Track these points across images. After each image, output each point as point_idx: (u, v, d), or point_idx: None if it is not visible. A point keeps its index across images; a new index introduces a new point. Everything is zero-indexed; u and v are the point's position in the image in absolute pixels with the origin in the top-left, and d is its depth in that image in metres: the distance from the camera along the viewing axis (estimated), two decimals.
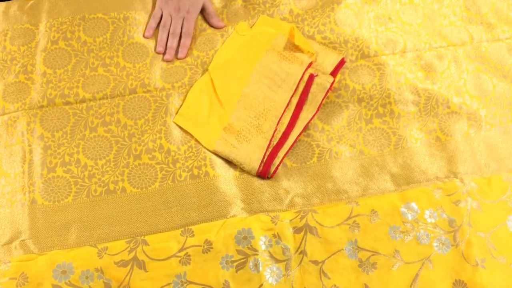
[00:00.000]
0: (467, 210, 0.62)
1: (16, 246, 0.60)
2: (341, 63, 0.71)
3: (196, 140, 0.67)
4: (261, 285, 0.58)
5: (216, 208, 0.63)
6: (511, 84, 0.72)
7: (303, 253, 0.60)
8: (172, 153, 0.66)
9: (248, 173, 0.65)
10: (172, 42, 0.74)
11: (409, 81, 0.70)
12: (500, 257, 0.60)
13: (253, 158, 0.64)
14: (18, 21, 0.75)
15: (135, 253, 0.59)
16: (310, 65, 0.70)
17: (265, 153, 0.65)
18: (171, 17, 0.75)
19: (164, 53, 0.74)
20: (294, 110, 0.68)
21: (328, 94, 0.69)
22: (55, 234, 0.61)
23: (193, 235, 0.61)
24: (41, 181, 0.64)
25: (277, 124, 0.67)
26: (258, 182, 0.65)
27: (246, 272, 0.59)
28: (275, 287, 0.58)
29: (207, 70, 0.71)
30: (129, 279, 0.58)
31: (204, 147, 0.66)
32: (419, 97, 0.69)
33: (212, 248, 0.60)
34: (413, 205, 0.63)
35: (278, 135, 0.67)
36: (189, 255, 0.59)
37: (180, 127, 0.68)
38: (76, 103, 0.69)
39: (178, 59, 0.73)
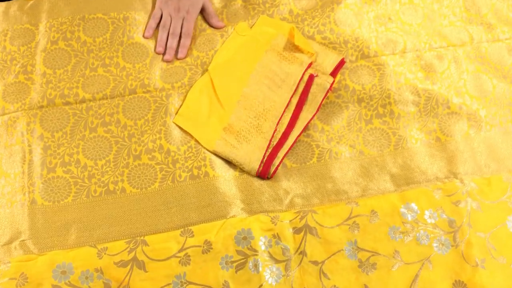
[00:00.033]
0: (467, 210, 0.62)
1: (16, 247, 0.60)
2: (341, 63, 0.71)
3: (196, 141, 0.67)
4: (261, 285, 0.58)
5: (216, 208, 0.63)
6: (511, 84, 0.72)
7: (303, 253, 0.60)
8: (172, 154, 0.66)
9: (248, 173, 0.65)
10: (172, 42, 0.74)
11: (409, 81, 0.70)
12: (500, 257, 0.60)
13: (253, 159, 0.64)
14: (18, 21, 0.75)
15: (135, 253, 0.59)
16: (310, 65, 0.70)
17: (265, 154, 0.65)
18: (171, 17, 0.75)
19: (164, 53, 0.74)
20: (294, 110, 0.68)
21: (328, 94, 0.69)
22: (55, 235, 0.61)
23: (193, 236, 0.61)
24: (41, 181, 0.64)
25: (277, 125, 0.67)
26: (258, 182, 0.65)
27: (245, 273, 0.59)
28: None
29: (207, 70, 0.71)
30: (129, 279, 0.58)
31: (204, 148, 0.66)
32: (419, 97, 0.69)
33: (211, 248, 0.60)
34: (413, 205, 0.62)
35: (278, 135, 0.66)
36: (189, 256, 0.59)
37: (180, 127, 0.68)
38: (76, 103, 0.69)
39: (178, 59, 0.73)
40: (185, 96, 0.70)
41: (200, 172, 0.65)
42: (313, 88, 0.68)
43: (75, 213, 0.62)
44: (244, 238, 0.60)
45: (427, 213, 0.62)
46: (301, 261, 0.59)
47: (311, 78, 0.68)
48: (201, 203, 0.63)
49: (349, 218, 0.62)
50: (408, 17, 0.76)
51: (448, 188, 0.64)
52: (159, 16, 0.76)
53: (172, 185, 0.64)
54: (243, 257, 0.60)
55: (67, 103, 0.69)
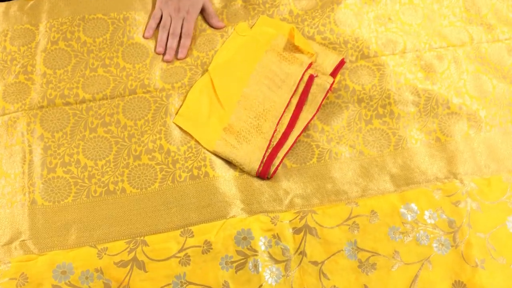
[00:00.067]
0: (466, 211, 0.62)
1: (16, 247, 0.61)
2: (341, 63, 0.71)
3: (196, 141, 0.67)
4: (261, 285, 0.58)
5: (216, 208, 0.63)
6: (510, 85, 0.72)
7: (302, 253, 0.60)
8: (172, 154, 0.66)
9: (248, 173, 0.65)
10: (172, 43, 0.74)
11: (409, 81, 0.70)
12: (499, 258, 0.60)
13: (253, 159, 0.64)
14: (18, 22, 0.75)
15: (135, 253, 0.59)
16: (310, 65, 0.70)
17: (265, 154, 0.65)
18: (171, 17, 0.75)
19: (164, 54, 0.74)
20: (294, 110, 0.68)
21: (328, 94, 0.69)
22: (55, 235, 0.61)
23: (193, 236, 0.61)
24: (41, 181, 0.64)
25: (277, 125, 0.67)
26: (257, 182, 0.65)
27: (245, 273, 0.59)
28: None
29: (207, 70, 0.71)
30: (129, 279, 0.58)
31: (204, 148, 0.66)
32: (419, 97, 0.69)
33: (211, 248, 0.60)
34: (413, 206, 0.63)
35: (278, 135, 0.67)
36: (189, 256, 0.59)
37: (180, 127, 0.68)
38: (76, 103, 0.69)
39: (178, 59, 0.73)
40: (185, 96, 0.70)
41: (200, 172, 0.65)
42: (313, 89, 0.68)
43: (75, 213, 0.62)
44: (244, 238, 0.60)
45: (427, 213, 0.62)
46: (301, 261, 0.60)
47: (311, 78, 0.68)
48: (201, 203, 0.63)
49: (349, 219, 0.62)
50: (408, 17, 0.76)
51: (448, 188, 0.64)
52: (159, 16, 0.76)
53: (172, 185, 0.64)
54: (243, 257, 0.60)
55: (67, 104, 0.69)
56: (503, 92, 0.71)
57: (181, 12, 0.75)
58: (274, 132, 0.66)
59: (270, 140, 0.66)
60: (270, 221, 0.62)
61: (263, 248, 0.60)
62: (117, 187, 0.64)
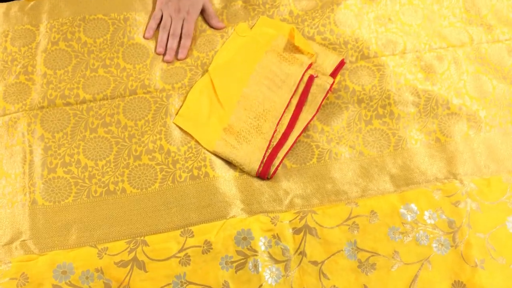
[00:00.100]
0: (466, 211, 0.62)
1: (17, 247, 0.61)
2: (341, 64, 0.71)
3: (196, 141, 0.67)
4: (261, 285, 0.58)
5: (216, 209, 0.63)
6: (511, 85, 0.72)
7: (302, 253, 0.60)
8: (172, 154, 0.66)
9: (248, 174, 0.65)
10: (172, 43, 0.74)
11: (409, 82, 0.70)
12: (499, 258, 0.60)
13: (253, 159, 0.65)
14: (19, 22, 0.75)
15: (135, 253, 0.60)
16: (310, 66, 0.70)
17: (265, 154, 0.65)
18: (171, 18, 0.75)
19: (164, 54, 0.74)
20: (294, 111, 0.68)
21: (328, 95, 0.69)
22: (56, 235, 0.61)
23: (193, 236, 0.61)
24: (42, 181, 0.64)
25: (277, 125, 0.67)
26: (257, 183, 0.65)
27: (245, 273, 0.59)
28: None
29: (207, 71, 0.71)
30: (129, 279, 0.58)
31: (204, 148, 0.66)
32: (419, 98, 0.70)
33: (211, 248, 0.60)
34: (413, 206, 0.63)
35: (278, 136, 0.67)
36: (189, 256, 0.60)
37: (180, 128, 0.68)
38: (77, 104, 0.69)
39: (178, 60, 0.74)
40: (185, 97, 0.70)
41: (200, 172, 0.65)
42: (313, 89, 0.68)
43: (75, 213, 0.62)
44: (244, 238, 0.61)
45: (426, 213, 0.62)
46: (300, 261, 0.60)
47: (311, 78, 0.69)
48: (201, 203, 0.63)
49: (348, 219, 0.62)
50: (408, 18, 0.76)
51: (447, 188, 0.64)
52: (159, 17, 0.76)
53: (172, 186, 0.64)
54: (243, 257, 0.60)
55: (68, 104, 0.69)
56: (503, 92, 0.71)
57: (181, 12, 0.75)
58: (274, 133, 0.66)
59: (270, 141, 0.66)
60: (270, 221, 0.62)
61: (263, 248, 0.60)
62: (117, 187, 0.64)
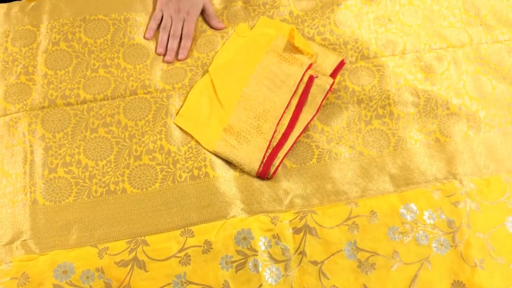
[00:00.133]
0: (466, 211, 0.62)
1: (18, 246, 0.61)
2: (341, 64, 0.71)
3: (196, 141, 0.67)
4: (261, 285, 0.58)
5: (216, 208, 0.63)
6: (510, 85, 0.72)
7: (302, 253, 0.60)
8: (173, 154, 0.66)
9: (248, 174, 0.65)
10: (173, 44, 0.74)
11: (409, 82, 0.71)
12: (498, 258, 0.60)
13: (253, 159, 0.65)
14: (20, 23, 0.75)
15: (136, 253, 0.60)
16: (310, 66, 0.70)
17: (265, 154, 0.65)
18: (171, 18, 0.75)
19: (164, 55, 0.74)
20: (294, 111, 0.68)
21: (328, 95, 0.69)
22: (56, 234, 0.61)
23: (193, 236, 0.61)
24: (42, 181, 0.64)
25: (277, 125, 0.67)
26: (258, 183, 0.65)
27: (245, 273, 0.59)
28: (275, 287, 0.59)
29: (207, 71, 0.72)
30: (130, 279, 0.58)
31: (204, 148, 0.66)
32: (419, 98, 0.70)
33: (212, 248, 0.60)
34: (412, 206, 0.63)
35: (278, 136, 0.67)
36: (189, 256, 0.60)
37: (180, 128, 0.68)
38: (77, 104, 0.69)
39: (178, 60, 0.74)
40: (186, 97, 0.70)
41: (201, 172, 0.65)
42: (313, 89, 0.69)
43: (76, 213, 0.63)
44: (244, 238, 0.61)
45: (426, 213, 0.62)
46: (300, 261, 0.60)
47: (311, 79, 0.69)
48: (201, 203, 0.63)
49: (348, 219, 0.62)
50: (408, 18, 0.76)
51: (447, 188, 0.64)
52: (159, 17, 0.76)
53: (172, 186, 0.64)
54: (243, 257, 0.60)
55: (68, 104, 0.69)
56: (502, 93, 0.71)
57: (181, 13, 0.75)
58: (274, 133, 0.67)
59: (270, 141, 0.66)
60: (270, 221, 0.62)
61: (263, 248, 0.60)
62: (117, 187, 0.64)
